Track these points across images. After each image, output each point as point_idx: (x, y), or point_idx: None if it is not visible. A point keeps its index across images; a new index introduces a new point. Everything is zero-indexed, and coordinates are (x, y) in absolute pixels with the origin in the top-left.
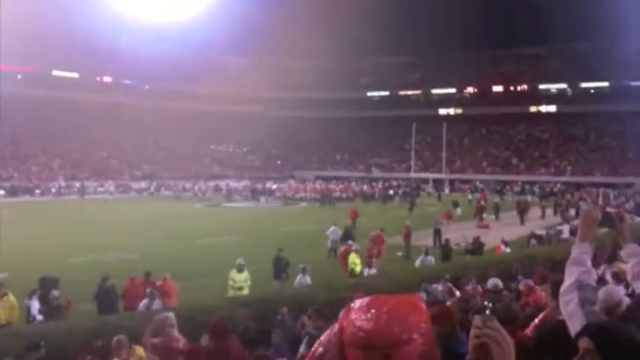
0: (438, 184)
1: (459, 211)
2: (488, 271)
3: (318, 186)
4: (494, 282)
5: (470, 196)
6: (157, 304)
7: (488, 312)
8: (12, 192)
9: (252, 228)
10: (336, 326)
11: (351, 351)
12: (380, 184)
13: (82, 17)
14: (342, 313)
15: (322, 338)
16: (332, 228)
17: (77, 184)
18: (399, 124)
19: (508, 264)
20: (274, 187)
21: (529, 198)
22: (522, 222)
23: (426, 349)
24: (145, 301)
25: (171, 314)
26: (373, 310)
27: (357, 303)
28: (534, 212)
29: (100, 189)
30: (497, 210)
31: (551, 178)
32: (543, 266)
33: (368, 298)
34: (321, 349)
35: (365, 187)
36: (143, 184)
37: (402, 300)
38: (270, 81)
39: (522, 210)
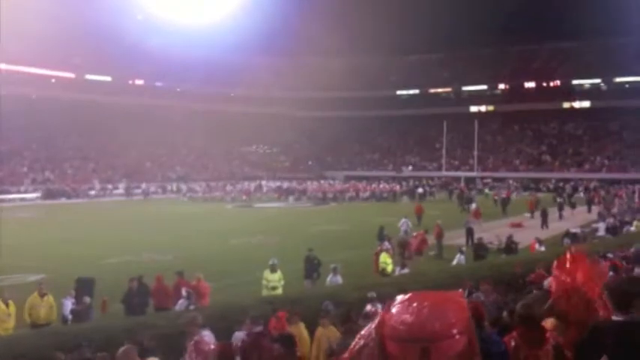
0: (469, 182)
1: (473, 206)
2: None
3: (325, 185)
4: None
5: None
6: (192, 305)
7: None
8: (49, 194)
9: (283, 228)
10: (376, 320)
11: (391, 344)
12: (411, 183)
13: (115, 21)
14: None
15: (363, 332)
16: (403, 220)
17: (142, 186)
18: (430, 122)
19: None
20: (299, 186)
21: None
22: (544, 225)
23: (466, 346)
24: (181, 301)
25: (197, 314)
26: (415, 305)
27: (399, 298)
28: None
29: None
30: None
31: (585, 175)
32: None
33: (410, 293)
34: (361, 342)
35: (380, 186)
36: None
37: (444, 296)
38: (300, 81)
39: (544, 211)
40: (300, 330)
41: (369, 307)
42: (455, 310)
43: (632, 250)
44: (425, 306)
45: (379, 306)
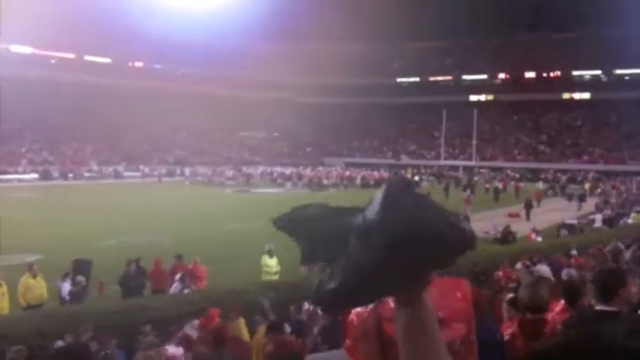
0: (468, 171)
1: (468, 192)
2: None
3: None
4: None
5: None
6: (186, 289)
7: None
8: (46, 175)
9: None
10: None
11: (391, 326)
12: (410, 171)
13: (115, 2)
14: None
15: (359, 310)
16: None
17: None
18: (429, 110)
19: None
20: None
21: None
22: (528, 217)
23: (467, 334)
24: (175, 285)
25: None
26: None
27: None
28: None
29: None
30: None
31: (584, 166)
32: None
33: None
34: (357, 321)
35: (363, 174)
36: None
37: (450, 283)
38: (300, 67)
39: (528, 203)
40: (240, 326)
41: (307, 306)
42: (459, 299)
43: (608, 248)
44: (432, 292)
45: None
